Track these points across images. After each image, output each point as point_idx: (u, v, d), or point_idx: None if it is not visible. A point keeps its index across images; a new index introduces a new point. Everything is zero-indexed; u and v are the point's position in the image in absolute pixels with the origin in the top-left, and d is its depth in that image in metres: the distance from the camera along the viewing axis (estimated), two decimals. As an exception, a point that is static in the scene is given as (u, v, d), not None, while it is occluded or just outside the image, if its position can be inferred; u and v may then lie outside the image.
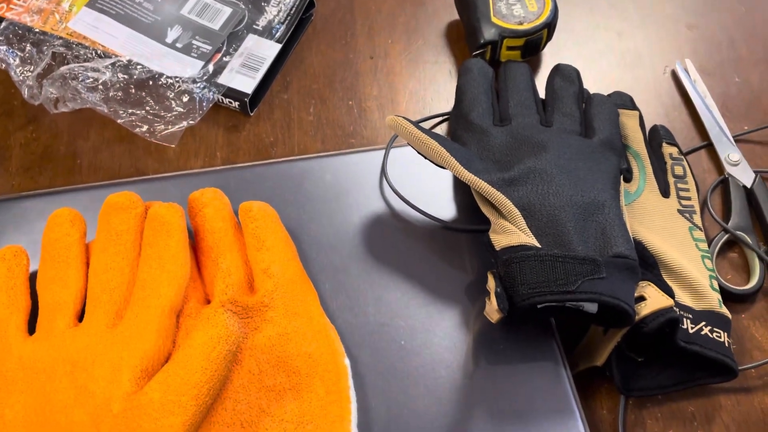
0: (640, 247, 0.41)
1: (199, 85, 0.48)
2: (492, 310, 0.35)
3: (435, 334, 0.39)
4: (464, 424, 0.37)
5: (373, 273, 0.41)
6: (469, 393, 0.38)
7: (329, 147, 0.49)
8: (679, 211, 0.44)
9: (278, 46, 0.51)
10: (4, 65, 0.48)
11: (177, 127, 0.47)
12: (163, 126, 0.47)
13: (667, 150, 0.47)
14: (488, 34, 0.50)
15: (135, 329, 0.35)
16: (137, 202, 0.39)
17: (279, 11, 0.52)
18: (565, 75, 0.48)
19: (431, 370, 0.38)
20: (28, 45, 0.49)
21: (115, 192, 0.40)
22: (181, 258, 0.37)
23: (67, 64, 0.48)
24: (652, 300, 0.37)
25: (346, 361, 0.37)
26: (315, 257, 0.42)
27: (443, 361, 0.39)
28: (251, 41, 0.51)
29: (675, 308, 0.38)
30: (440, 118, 0.50)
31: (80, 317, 0.37)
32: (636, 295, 0.37)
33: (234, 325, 0.34)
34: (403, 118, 0.39)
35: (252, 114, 0.50)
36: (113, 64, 0.47)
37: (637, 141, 0.46)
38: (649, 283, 0.38)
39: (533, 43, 0.51)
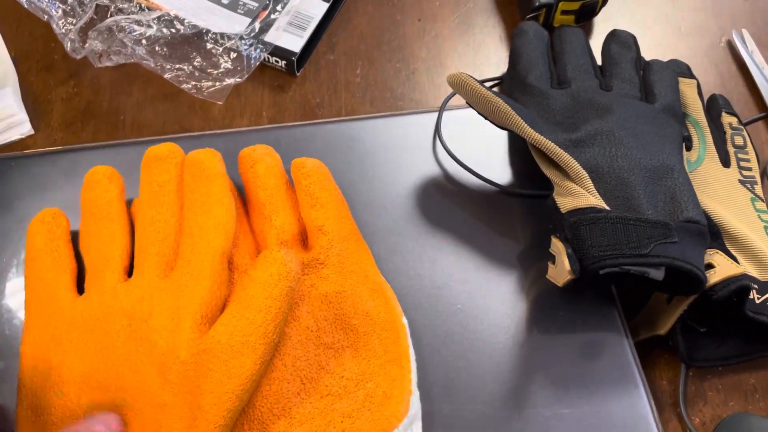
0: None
1: (246, 42, 0.47)
2: (563, 271, 0.34)
3: (492, 299, 0.38)
4: (524, 389, 0.36)
5: (427, 235, 0.40)
6: (528, 359, 0.37)
7: (377, 109, 0.48)
8: (740, 181, 0.43)
9: (325, 5, 0.49)
10: (46, 17, 0.47)
11: (224, 83, 0.46)
12: (210, 83, 0.46)
13: (727, 119, 0.46)
14: (543, -4, 0.48)
15: (189, 277, 0.34)
16: (177, 152, 0.38)
17: (326, -31, 0.50)
18: (621, 40, 0.46)
19: (490, 335, 0.37)
20: (70, -3, 0.48)
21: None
22: (226, 202, 0.36)
23: (111, 17, 0.47)
24: (722, 267, 0.36)
25: (405, 321, 0.36)
26: (367, 218, 0.41)
27: (502, 326, 0.38)
28: (298, -1, 0.49)
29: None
30: (491, 83, 0.48)
31: (128, 273, 0.36)
32: (704, 262, 0.36)
33: (292, 261, 0.33)
34: (467, 74, 0.38)
35: (298, 74, 0.49)
36: (159, 18, 0.46)
37: (696, 109, 0.45)
38: (717, 250, 0.37)
39: (589, 7, 0.49)
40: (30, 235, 0.36)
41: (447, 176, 0.43)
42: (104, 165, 0.38)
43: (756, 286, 0.38)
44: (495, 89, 0.48)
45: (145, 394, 0.32)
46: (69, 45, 0.46)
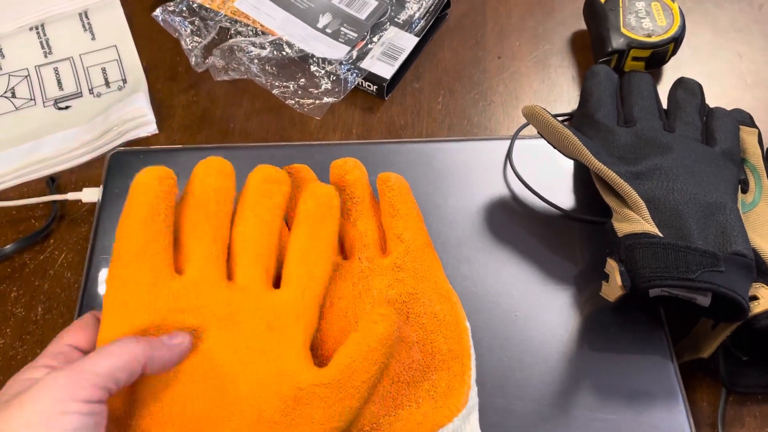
0: (754, 254, 0.42)
1: (344, 67, 0.53)
2: (615, 287, 0.38)
3: (548, 311, 0.42)
4: (572, 393, 0.40)
5: (493, 249, 0.45)
6: (578, 367, 0.40)
7: (455, 135, 0.53)
8: (793, 225, 0.45)
9: (416, 39, 0.55)
10: (176, 34, 0.54)
11: (323, 102, 0.52)
12: (310, 100, 0.52)
13: (785, 168, 0.48)
14: (617, 43, 0.52)
15: (297, 301, 0.36)
16: (287, 177, 0.40)
17: (419, 8, 0.56)
18: (688, 87, 0.50)
19: (543, 343, 0.41)
20: (197, 19, 0.55)
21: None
22: (335, 241, 0.39)
23: (230, 39, 0.54)
24: (765, 299, 0.39)
25: (467, 324, 0.40)
26: (440, 229, 0.45)
27: (555, 335, 0.42)
28: (392, 33, 0.55)
29: (787, 311, 0.40)
30: (562, 118, 0.53)
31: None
32: (749, 294, 0.39)
33: (397, 323, 0.37)
34: (541, 107, 0.43)
35: (386, 98, 0.54)
36: (272, 42, 0.53)
37: (755, 156, 0.48)
38: (763, 284, 0.40)
39: (659, 55, 0.53)
40: (136, 188, 0.37)
41: (514, 197, 0.47)
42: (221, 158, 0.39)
43: (799, 322, 0.40)
44: (565, 123, 0.53)
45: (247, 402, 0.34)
46: (193, 60, 0.54)
